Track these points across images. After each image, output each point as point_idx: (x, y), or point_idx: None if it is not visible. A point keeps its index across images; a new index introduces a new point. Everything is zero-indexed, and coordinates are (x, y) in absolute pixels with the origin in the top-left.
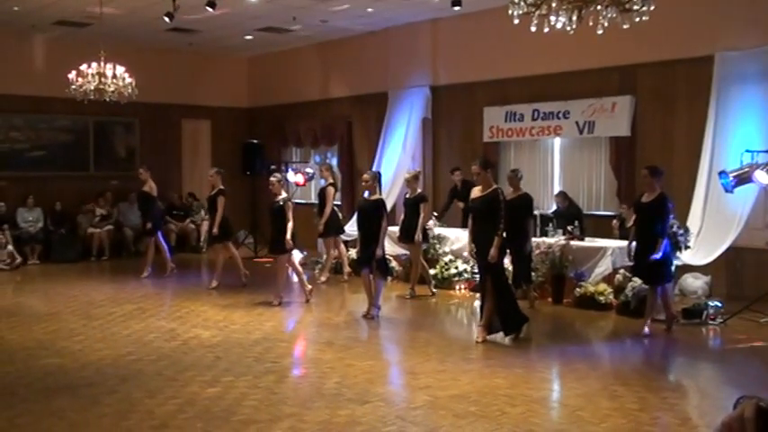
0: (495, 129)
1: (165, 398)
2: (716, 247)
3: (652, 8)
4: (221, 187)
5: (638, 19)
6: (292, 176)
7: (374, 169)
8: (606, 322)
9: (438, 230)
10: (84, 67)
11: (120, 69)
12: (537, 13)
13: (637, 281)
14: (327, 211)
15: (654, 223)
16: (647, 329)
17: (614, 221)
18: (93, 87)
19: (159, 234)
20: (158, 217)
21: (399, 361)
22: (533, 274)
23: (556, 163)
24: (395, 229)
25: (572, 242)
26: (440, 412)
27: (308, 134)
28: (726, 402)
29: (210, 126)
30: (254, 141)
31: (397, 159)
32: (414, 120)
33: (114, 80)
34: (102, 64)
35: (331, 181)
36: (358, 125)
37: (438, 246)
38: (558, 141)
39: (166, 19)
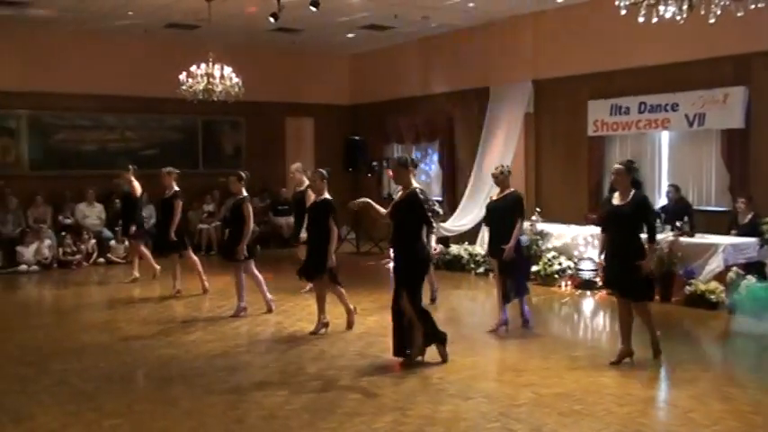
0: (599, 122)
1: (272, 389)
2: None
3: None
4: (176, 189)
5: (753, 6)
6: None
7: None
8: (717, 322)
9: (541, 226)
10: (193, 68)
11: (228, 70)
12: (645, 3)
13: (751, 279)
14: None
15: (635, 228)
16: None
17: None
18: (202, 88)
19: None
20: (142, 220)
21: (502, 358)
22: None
23: (664, 157)
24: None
25: (681, 238)
26: (544, 410)
27: (410, 130)
28: None
29: (313, 123)
30: (356, 138)
31: (498, 155)
32: (515, 115)
33: (222, 80)
34: (210, 65)
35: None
36: (459, 121)
37: (541, 242)
38: (665, 135)
39: (271, 19)
